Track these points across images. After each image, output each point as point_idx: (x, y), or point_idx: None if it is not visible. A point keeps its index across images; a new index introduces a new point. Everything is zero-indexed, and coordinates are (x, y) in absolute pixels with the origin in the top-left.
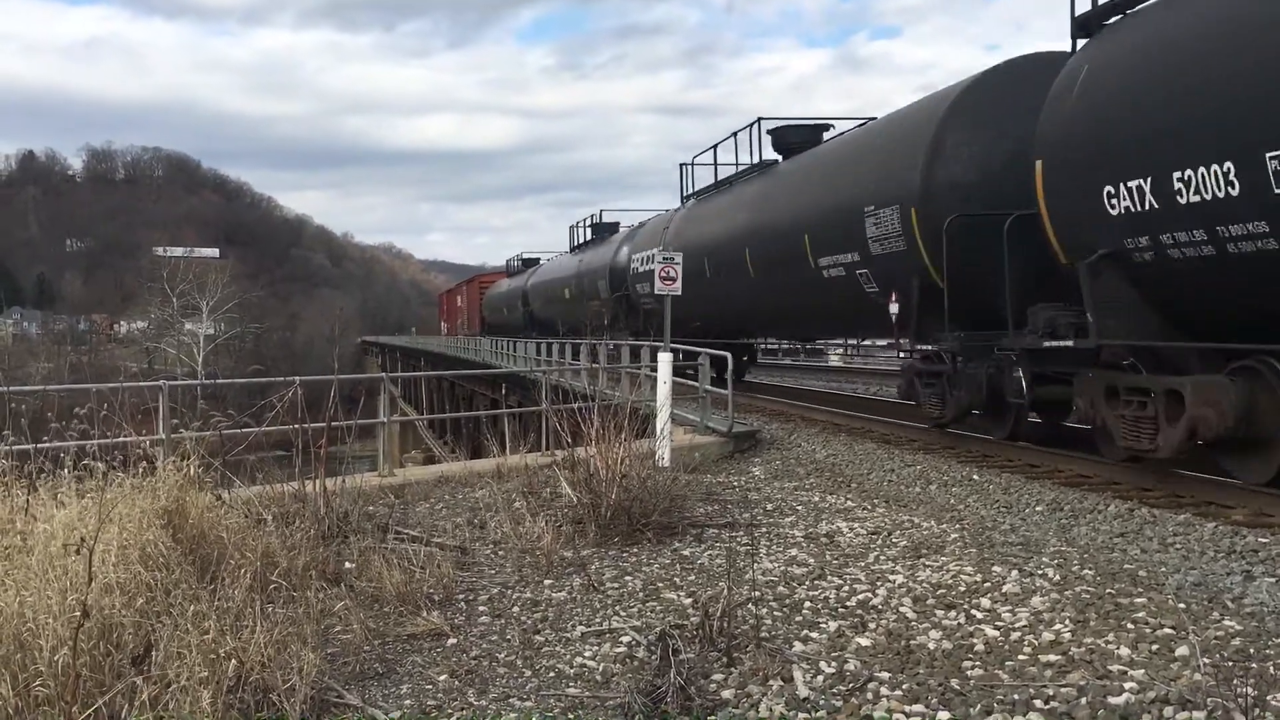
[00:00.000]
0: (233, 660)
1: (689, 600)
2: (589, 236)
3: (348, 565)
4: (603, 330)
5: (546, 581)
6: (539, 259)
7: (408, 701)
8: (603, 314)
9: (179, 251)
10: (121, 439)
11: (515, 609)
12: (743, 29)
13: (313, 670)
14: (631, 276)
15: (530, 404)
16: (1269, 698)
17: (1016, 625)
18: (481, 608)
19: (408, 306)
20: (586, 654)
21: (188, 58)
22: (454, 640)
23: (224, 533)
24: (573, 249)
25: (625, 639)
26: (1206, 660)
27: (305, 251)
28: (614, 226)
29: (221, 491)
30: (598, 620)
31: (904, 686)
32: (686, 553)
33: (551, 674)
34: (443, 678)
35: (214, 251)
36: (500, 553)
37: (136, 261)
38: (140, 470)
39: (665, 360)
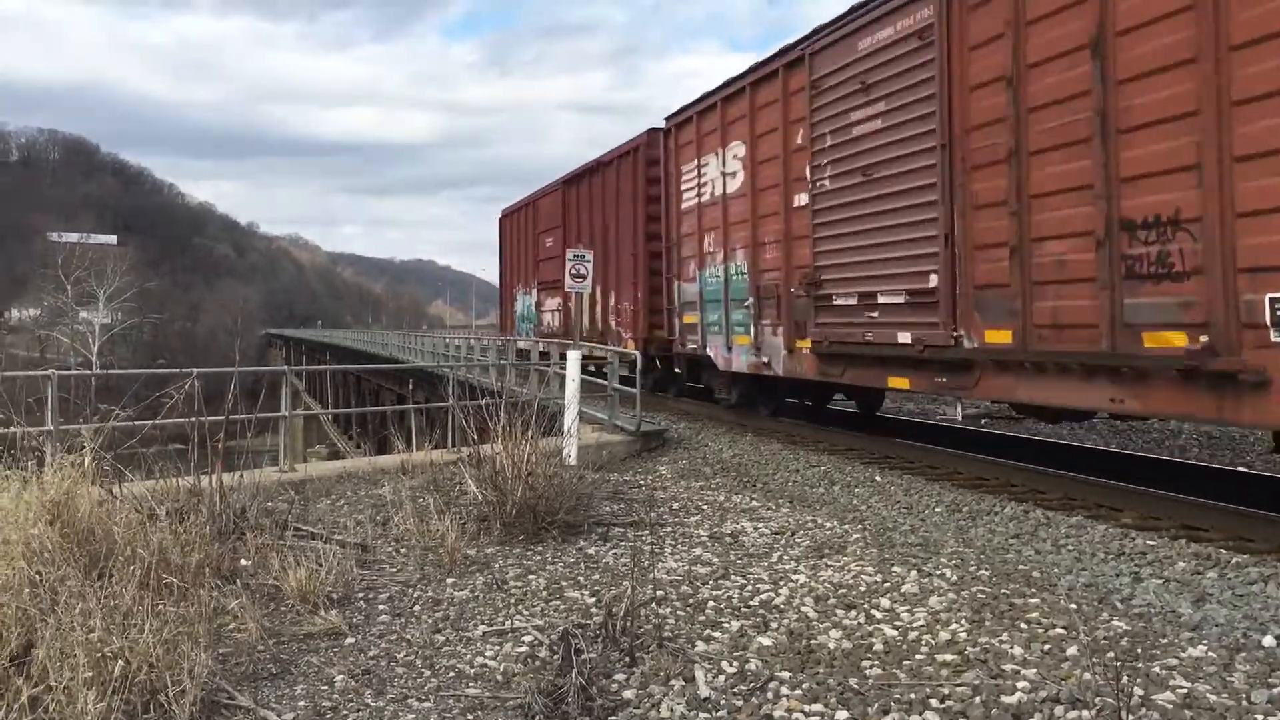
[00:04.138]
0: (119, 660)
1: (592, 599)
2: None
3: (244, 562)
4: None
5: (449, 580)
6: None
7: (302, 703)
8: None
9: (74, 237)
10: (6, 430)
11: (416, 608)
12: (669, 28)
13: (204, 671)
14: None
15: (437, 400)
16: (1154, 697)
17: (915, 625)
18: (382, 606)
19: (315, 300)
20: (488, 654)
21: (103, 39)
22: (352, 640)
23: (115, 528)
24: None
25: (527, 638)
26: (1096, 660)
27: (208, 241)
28: None
29: (113, 485)
30: (500, 619)
31: (804, 686)
32: (591, 551)
33: (451, 674)
34: (339, 678)
35: (112, 238)
36: (403, 550)
37: (30, 246)
38: (27, 463)
39: (574, 358)
